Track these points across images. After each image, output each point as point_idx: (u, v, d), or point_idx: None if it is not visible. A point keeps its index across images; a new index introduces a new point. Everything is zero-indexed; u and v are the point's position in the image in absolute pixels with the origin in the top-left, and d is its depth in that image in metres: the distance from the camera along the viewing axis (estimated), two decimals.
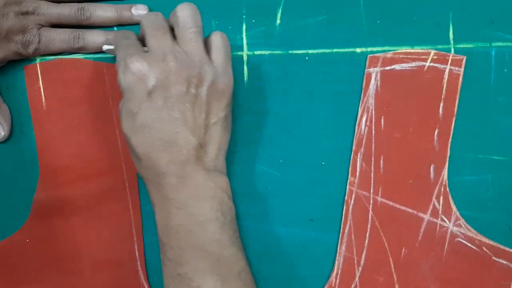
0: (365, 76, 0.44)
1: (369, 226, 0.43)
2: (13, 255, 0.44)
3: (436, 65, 0.44)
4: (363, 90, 0.44)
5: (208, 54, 0.39)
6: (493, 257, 0.43)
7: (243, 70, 0.44)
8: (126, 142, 0.39)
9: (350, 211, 0.44)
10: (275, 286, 0.44)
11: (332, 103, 0.44)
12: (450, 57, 0.43)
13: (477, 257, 0.43)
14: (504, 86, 0.44)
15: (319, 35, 0.44)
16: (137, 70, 0.36)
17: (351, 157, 0.44)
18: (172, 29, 0.39)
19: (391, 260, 0.43)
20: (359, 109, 0.44)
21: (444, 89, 0.43)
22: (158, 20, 0.39)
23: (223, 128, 0.39)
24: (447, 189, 0.43)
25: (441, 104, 0.43)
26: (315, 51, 0.44)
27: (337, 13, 0.44)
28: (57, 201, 0.44)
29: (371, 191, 0.44)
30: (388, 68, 0.44)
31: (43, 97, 0.44)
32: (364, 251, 0.43)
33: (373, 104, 0.44)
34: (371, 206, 0.43)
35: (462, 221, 0.43)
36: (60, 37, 0.43)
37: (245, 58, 0.44)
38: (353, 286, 0.43)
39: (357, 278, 0.43)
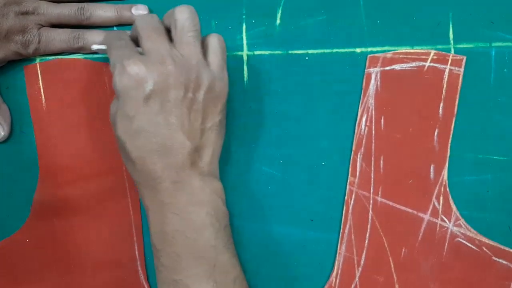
0: (365, 76, 0.44)
1: (369, 226, 0.43)
2: (13, 255, 0.44)
3: (436, 65, 0.44)
4: (363, 90, 0.44)
5: (204, 56, 0.38)
6: (493, 257, 0.43)
7: (243, 70, 0.44)
8: (119, 146, 0.38)
9: (350, 211, 0.44)
10: (275, 286, 0.44)
11: (332, 103, 0.44)
12: (450, 57, 0.43)
13: (477, 257, 0.43)
14: (504, 86, 0.44)
15: (319, 35, 0.44)
16: (134, 73, 0.35)
17: (351, 157, 0.44)
18: (167, 31, 0.38)
19: (391, 260, 0.43)
20: (359, 109, 0.44)
21: (444, 89, 0.43)
22: (154, 22, 0.38)
23: (218, 132, 0.39)
24: (447, 189, 0.43)
25: (441, 104, 0.43)
26: (315, 51, 0.44)
27: (337, 13, 0.44)
28: (57, 201, 0.44)
29: (371, 191, 0.44)
30: (388, 68, 0.44)
31: (43, 97, 0.44)
32: (364, 251, 0.43)
33: (373, 104, 0.44)
34: (371, 206, 0.43)
35: (462, 221, 0.43)
36: (60, 37, 0.43)
37: (245, 58, 0.44)
38: (353, 286, 0.43)
39: (357, 278, 0.43)
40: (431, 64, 0.44)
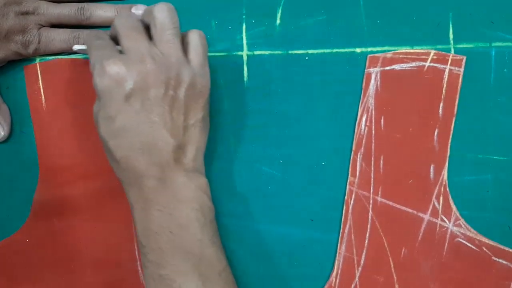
0: (365, 76, 0.44)
1: (369, 226, 0.43)
2: (13, 255, 0.44)
3: (436, 65, 0.44)
4: (363, 90, 0.44)
5: (184, 53, 0.38)
6: (493, 257, 0.43)
7: (243, 70, 0.44)
8: (103, 146, 0.38)
9: (350, 211, 0.44)
10: (275, 286, 0.44)
11: (332, 103, 0.44)
12: (450, 57, 0.43)
13: (477, 257, 0.43)
14: (504, 86, 0.43)
15: (319, 35, 0.44)
16: (114, 73, 0.35)
17: (351, 157, 0.44)
18: (146, 29, 0.38)
19: (391, 260, 0.43)
20: (359, 109, 0.44)
21: (444, 89, 0.43)
22: (133, 20, 0.38)
23: (201, 129, 0.39)
24: (447, 189, 0.43)
25: (441, 104, 0.43)
26: (315, 51, 0.44)
27: (337, 13, 0.44)
28: (57, 201, 0.44)
29: (371, 191, 0.44)
30: (388, 68, 0.44)
31: (43, 97, 0.44)
32: (364, 251, 0.43)
33: (373, 104, 0.44)
34: (371, 206, 0.43)
35: (462, 221, 0.43)
36: (60, 37, 0.43)
37: (245, 58, 0.44)
38: (353, 286, 0.43)
39: (357, 278, 0.43)
40: (431, 64, 0.44)
